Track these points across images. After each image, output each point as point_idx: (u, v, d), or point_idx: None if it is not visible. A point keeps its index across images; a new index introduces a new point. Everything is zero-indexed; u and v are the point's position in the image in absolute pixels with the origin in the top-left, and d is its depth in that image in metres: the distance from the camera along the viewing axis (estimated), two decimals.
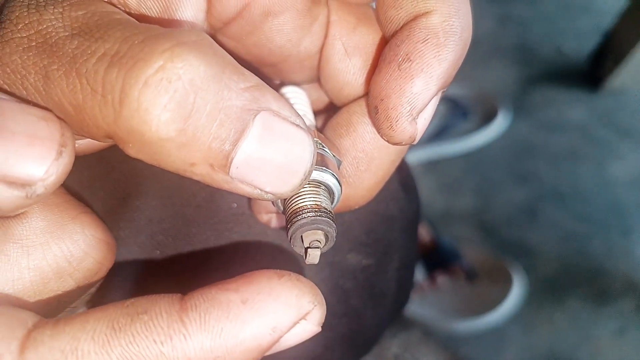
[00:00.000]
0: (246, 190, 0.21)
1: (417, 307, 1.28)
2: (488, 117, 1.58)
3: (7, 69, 0.21)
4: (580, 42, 1.78)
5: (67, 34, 0.20)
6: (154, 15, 0.24)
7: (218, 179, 0.21)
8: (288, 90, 0.32)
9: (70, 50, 0.20)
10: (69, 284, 0.25)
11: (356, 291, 0.37)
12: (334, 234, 0.25)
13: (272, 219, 0.32)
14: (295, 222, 0.24)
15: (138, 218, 0.33)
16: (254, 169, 0.20)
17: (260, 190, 0.21)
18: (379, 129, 0.26)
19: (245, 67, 0.26)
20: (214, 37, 0.29)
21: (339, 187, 0.26)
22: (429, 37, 0.24)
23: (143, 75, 0.18)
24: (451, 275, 1.30)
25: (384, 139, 0.26)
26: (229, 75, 0.20)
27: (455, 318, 1.26)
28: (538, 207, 1.46)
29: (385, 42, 0.27)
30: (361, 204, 0.30)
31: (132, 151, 0.20)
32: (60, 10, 0.21)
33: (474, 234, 1.42)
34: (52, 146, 0.19)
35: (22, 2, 0.22)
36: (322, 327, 0.36)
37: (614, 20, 1.59)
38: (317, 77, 0.32)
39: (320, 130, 0.31)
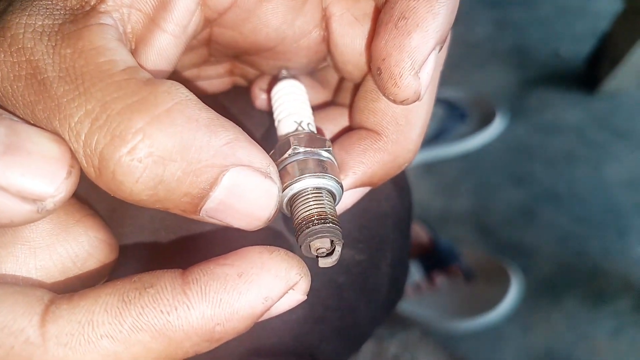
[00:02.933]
0: (216, 223, 0.24)
1: (415, 307, 1.28)
2: (485, 120, 1.59)
3: None
4: (577, 45, 1.79)
5: (54, 74, 0.22)
6: (148, 11, 0.26)
7: (190, 217, 0.23)
8: (287, 85, 0.33)
9: (56, 96, 0.21)
10: (74, 284, 0.26)
11: (349, 286, 0.39)
12: (341, 237, 0.27)
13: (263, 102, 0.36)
14: (301, 233, 0.26)
15: (141, 215, 0.34)
16: (221, 213, 0.23)
17: (229, 225, 0.24)
18: (384, 90, 0.27)
19: (244, 55, 0.27)
20: (210, 30, 0.31)
21: (339, 189, 0.28)
22: None
23: (117, 153, 0.20)
24: (449, 276, 1.31)
25: (390, 99, 0.28)
26: (201, 138, 0.22)
27: (453, 318, 1.27)
28: (535, 208, 1.47)
29: (379, 12, 0.29)
30: (409, 160, 0.32)
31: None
32: (53, 44, 0.22)
33: (471, 234, 1.43)
34: (62, 166, 0.21)
35: (20, 20, 0.23)
36: (316, 319, 0.37)
37: (610, 24, 1.60)
38: (313, 61, 0.34)
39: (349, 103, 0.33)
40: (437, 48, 0.27)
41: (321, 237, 0.26)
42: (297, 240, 0.27)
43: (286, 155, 0.28)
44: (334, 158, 0.29)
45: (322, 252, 0.27)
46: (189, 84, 0.39)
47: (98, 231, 0.26)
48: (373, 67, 0.28)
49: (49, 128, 0.22)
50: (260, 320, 0.23)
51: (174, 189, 0.22)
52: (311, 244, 0.26)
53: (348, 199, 0.32)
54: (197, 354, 0.22)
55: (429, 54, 0.26)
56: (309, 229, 0.26)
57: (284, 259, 0.23)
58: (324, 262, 0.27)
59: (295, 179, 0.27)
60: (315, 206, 0.27)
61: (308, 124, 0.31)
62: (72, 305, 0.21)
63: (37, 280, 0.25)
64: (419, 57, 0.26)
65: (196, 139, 0.21)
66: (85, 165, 0.21)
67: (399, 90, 0.27)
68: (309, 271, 0.24)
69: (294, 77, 0.34)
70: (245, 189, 0.23)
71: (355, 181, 0.31)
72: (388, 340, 0.79)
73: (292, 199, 0.27)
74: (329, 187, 0.28)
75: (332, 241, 0.27)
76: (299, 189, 0.27)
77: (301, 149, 0.28)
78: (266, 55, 0.33)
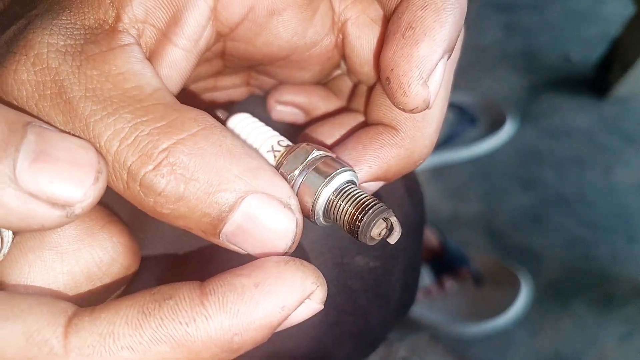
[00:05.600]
0: (236, 250, 0.25)
1: (425, 311, 1.29)
2: (495, 124, 1.60)
3: (23, 110, 0.23)
4: (587, 50, 1.78)
5: (80, 94, 0.23)
6: (161, 26, 0.27)
7: (212, 241, 0.25)
8: (236, 121, 0.32)
9: (84, 116, 0.23)
10: (98, 288, 0.27)
11: (363, 291, 0.39)
12: (388, 209, 0.27)
13: (283, 113, 0.35)
14: (358, 231, 0.27)
15: (162, 223, 0.35)
16: (240, 239, 0.24)
17: (248, 253, 0.25)
18: (393, 99, 0.28)
19: (258, 65, 0.29)
20: (223, 43, 0.32)
21: (354, 172, 0.29)
22: (427, 3, 0.26)
23: (143, 169, 0.22)
24: (459, 280, 1.31)
25: (400, 108, 0.28)
26: (222, 164, 0.23)
27: (462, 322, 1.27)
28: (544, 212, 1.47)
29: (387, 21, 0.29)
30: (425, 156, 0.32)
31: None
32: (78, 64, 0.24)
33: (481, 239, 1.44)
34: (90, 172, 0.22)
35: (42, 39, 0.24)
36: (330, 323, 0.38)
37: (621, 28, 1.60)
38: (326, 68, 0.35)
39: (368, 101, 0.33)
40: (446, 56, 0.27)
41: (375, 222, 0.27)
42: (357, 236, 0.27)
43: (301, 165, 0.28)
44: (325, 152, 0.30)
45: (385, 233, 0.27)
46: (206, 95, 0.40)
47: (122, 237, 0.27)
48: (382, 76, 0.28)
49: None
50: (278, 330, 0.23)
51: (194, 207, 0.23)
52: (372, 233, 0.27)
53: None
54: None
55: (437, 63, 0.27)
56: (361, 223, 0.27)
57: (300, 268, 0.23)
58: (393, 239, 0.28)
59: (322, 184, 0.27)
60: (355, 200, 0.27)
61: (279, 142, 0.31)
62: (93, 317, 0.21)
63: (61, 292, 0.26)
64: (427, 67, 0.26)
65: (218, 162, 0.23)
66: (114, 179, 0.23)
67: (408, 100, 0.27)
68: (324, 280, 0.24)
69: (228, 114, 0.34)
70: (263, 216, 0.24)
71: (370, 175, 0.31)
72: (397, 343, 0.79)
73: (329, 205, 0.28)
74: (352, 177, 0.28)
75: (384, 219, 0.27)
76: (331, 192, 0.28)
77: (312, 155, 0.28)
78: (280, 64, 0.34)
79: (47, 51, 0.24)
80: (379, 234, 0.27)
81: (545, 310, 1.30)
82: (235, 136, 0.24)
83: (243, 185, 0.23)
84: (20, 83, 0.23)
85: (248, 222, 0.23)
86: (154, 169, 0.22)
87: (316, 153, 0.28)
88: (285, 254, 0.25)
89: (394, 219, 0.27)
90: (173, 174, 0.22)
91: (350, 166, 0.29)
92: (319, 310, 0.24)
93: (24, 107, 0.23)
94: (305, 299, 0.23)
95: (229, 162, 0.23)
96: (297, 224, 0.25)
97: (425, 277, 1.31)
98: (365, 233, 0.27)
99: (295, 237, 0.25)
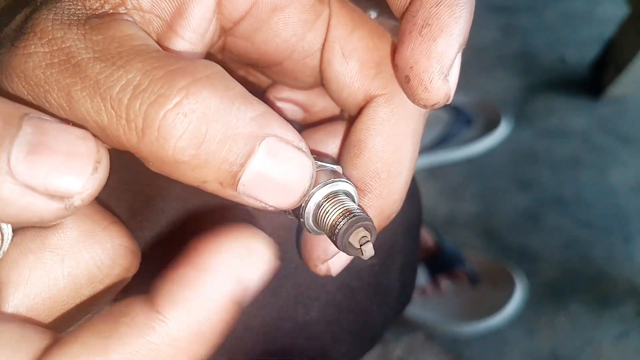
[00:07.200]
0: (252, 202, 0.24)
1: (420, 311, 1.29)
2: (491, 125, 1.60)
3: (31, 81, 0.23)
4: (582, 51, 1.79)
5: (89, 56, 0.23)
6: (166, 18, 0.27)
7: (226, 194, 0.23)
8: None
9: (93, 74, 0.22)
10: (98, 290, 0.26)
11: (362, 289, 0.39)
12: (373, 224, 0.27)
13: (328, 267, 0.34)
14: (337, 233, 0.27)
15: (161, 219, 0.35)
16: (258, 187, 0.23)
17: (264, 204, 0.24)
18: (413, 96, 0.28)
19: (255, 66, 0.29)
20: (224, 39, 0.32)
21: (353, 187, 0.29)
22: (440, 0, 0.27)
23: (162, 109, 0.21)
24: (454, 280, 1.31)
25: (420, 105, 0.28)
26: (238, 106, 0.22)
27: (458, 321, 1.28)
28: (540, 213, 1.47)
29: (393, 49, 0.30)
30: (396, 210, 0.32)
31: (152, 167, 0.23)
32: (83, 32, 0.23)
33: (476, 239, 1.44)
34: (88, 162, 0.21)
35: (47, 16, 0.24)
36: (329, 321, 0.38)
37: (615, 30, 1.61)
38: (319, 81, 0.34)
39: (336, 155, 0.34)
40: (461, 50, 0.28)
41: (361, 224, 0.26)
42: (336, 244, 0.27)
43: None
44: (337, 165, 0.30)
45: (365, 240, 0.27)
46: None
47: (123, 238, 0.27)
48: (400, 75, 0.28)
49: (92, 108, 0.22)
50: (248, 301, 0.22)
51: (214, 153, 0.22)
52: (350, 239, 0.26)
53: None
54: (206, 357, 0.22)
55: (455, 57, 0.27)
56: (343, 225, 0.26)
57: (236, 235, 0.22)
58: (368, 251, 0.27)
59: (316, 187, 0.27)
60: (341, 208, 0.27)
61: None
62: (60, 353, 0.21)
63: (35, 319, 0.25)
64: (447, 62, 0.27)
65: (234, 105, 0.22)
66: (127, 130, 0.22)
67: (430, 95, 0.27)
68: (267, 235, 0.23)
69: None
70: (280, 160, 0.23)
71: None
72: (393, 343, 0.80)
73: (318, 209, 0.28)
74: (345, 189, 0.28)
75: (366, 228, 0.27)
76: (322, 196, 0.28)
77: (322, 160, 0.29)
78: (275, 70, 0.34)
79: (51, 24, 0.23)
80: (358, 242, 0.27)
81: (541, 310, 1.31)
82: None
83: (259, 129, 0.22)
84: (27, 56, 0.23)
85: (267, 167, 0.23)
86: (174, 107, 0.21)
87: (322, 164, 0.28)
88: (301, 197, 0.24)
89: (373, 231, 0.27)
90: (195, 114, 0.21)
91: (351, 182, 0.29)
92: (277, 267, 0.23)
93: (31, 78, 0.23)
94: (257, 262, 0.22)
95: (243, 106, 0.22)
96: (311, 164, 0.24)
97: (421, 277, 1.31)
98: (342, 239, 0.26)
99: (311, 178, 0.24)
